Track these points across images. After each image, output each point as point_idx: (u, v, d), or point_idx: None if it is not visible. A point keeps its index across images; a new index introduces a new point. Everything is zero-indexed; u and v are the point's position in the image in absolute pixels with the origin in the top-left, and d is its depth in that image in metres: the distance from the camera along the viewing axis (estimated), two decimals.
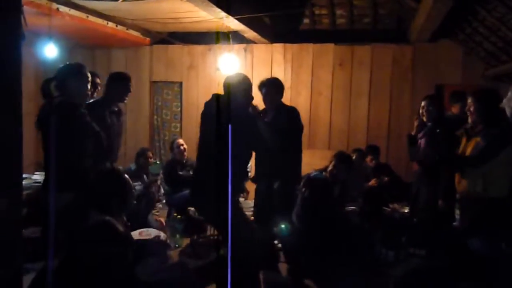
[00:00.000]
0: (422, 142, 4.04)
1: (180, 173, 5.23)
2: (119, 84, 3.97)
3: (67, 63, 3.44)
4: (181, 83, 7.24)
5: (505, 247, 3.19)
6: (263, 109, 4.04)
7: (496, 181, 3.23)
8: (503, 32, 4.74)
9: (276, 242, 4.28)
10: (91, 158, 3.22)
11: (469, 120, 3.40)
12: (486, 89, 3.91)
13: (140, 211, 4.70)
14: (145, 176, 5.17)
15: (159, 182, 5.35)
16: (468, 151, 3.37)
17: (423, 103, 3.99)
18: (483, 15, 4.77)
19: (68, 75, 3.24)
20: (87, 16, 5.23)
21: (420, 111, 4.02)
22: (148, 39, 6.81)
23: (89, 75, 3.35)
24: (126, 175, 2.55)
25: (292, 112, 4.01)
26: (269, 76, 4.42)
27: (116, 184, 2.46)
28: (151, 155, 5.38)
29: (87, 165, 3.18)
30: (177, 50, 7.20)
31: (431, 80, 6.18)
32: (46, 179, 3.27)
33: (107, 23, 5.66)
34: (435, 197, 3.81)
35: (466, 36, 5.69)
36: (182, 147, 5.37)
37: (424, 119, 4.00)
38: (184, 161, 5.39)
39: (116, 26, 5.87)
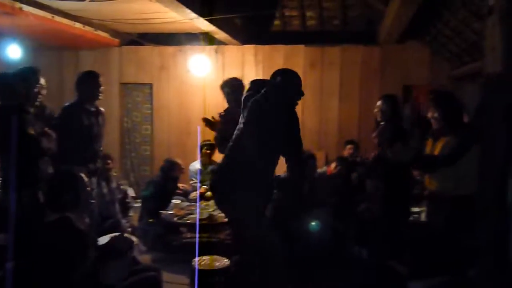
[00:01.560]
0: (374, 141, 4.03)
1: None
2: (88, 83, 3.97)
3: (24, 66, 3.48)
4: (151, 85, 7.14)
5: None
6: (226, 109, 4.00)
7: (466, 179, 3.32)
8: (467, 34, 4.89)
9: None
10: (33, 160, 3.28)
11: (434, 125, 3.49)
12: (443, 92, 4.01)
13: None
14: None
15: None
16: (436, 152, 3.45)
17: (378, 103, 3.96)
18: (447, 17, 4.92)
19: (17, 79, 3.30)
20: (53, 16, 5.09)
21: (375, 110, 3.99)
22: (117, 40, 6.71)
23: (42, 79, 3.36)
24: (80, 174, 2.57)
25: None
26: (240, 77, 4.40)
27: (69, 181, 2.49)
28: (110, 161, 5.16)
29: (27, 166, 3.20)
30: (147, 51, 7.11)
31: (399, 81, 6.30)
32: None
33: (74, 24, 5.53)
34: (386, 194, 3.77)
35: (432, 38, 5.85)
36: (182, 168, 5.31)
37: (378, 118, 3.97)
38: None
39: (84, 26, 5.74)
